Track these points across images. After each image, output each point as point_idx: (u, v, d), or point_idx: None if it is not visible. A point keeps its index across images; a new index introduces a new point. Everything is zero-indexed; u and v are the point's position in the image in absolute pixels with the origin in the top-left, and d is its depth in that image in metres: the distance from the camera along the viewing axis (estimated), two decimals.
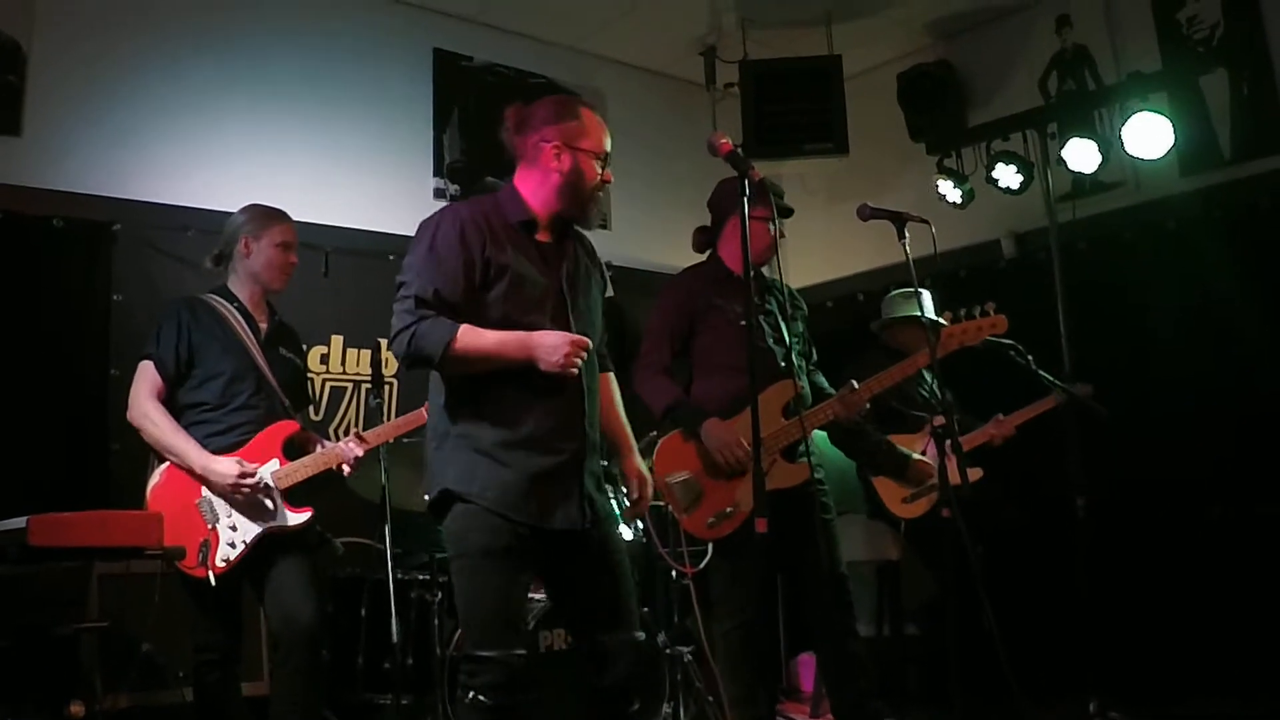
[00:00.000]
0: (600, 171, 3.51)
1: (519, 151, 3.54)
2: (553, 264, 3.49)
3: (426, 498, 3.41)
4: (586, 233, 3.72)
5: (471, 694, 3.19)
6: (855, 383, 4.61)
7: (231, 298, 4.42)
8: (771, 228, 4.41)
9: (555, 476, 3.36)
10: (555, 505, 3.34)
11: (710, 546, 4.47)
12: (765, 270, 4.79)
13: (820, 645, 4.65)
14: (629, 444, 3.76)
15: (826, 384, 4.83)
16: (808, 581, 4.52)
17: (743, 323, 3.50)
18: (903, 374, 4.74)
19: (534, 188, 3.50)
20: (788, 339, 4.64)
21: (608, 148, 3.54)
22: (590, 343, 3.34)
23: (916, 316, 5.44)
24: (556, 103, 3.58)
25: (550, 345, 3.26)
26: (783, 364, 4.57)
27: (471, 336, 3.25)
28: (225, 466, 4.12)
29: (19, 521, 3.66)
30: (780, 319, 4.68)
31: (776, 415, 4.49)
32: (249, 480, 4.13)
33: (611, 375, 3.79)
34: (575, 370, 3.30)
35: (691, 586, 4.17)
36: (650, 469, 4.37)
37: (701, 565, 4.41)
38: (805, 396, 4.60)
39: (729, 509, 4.41)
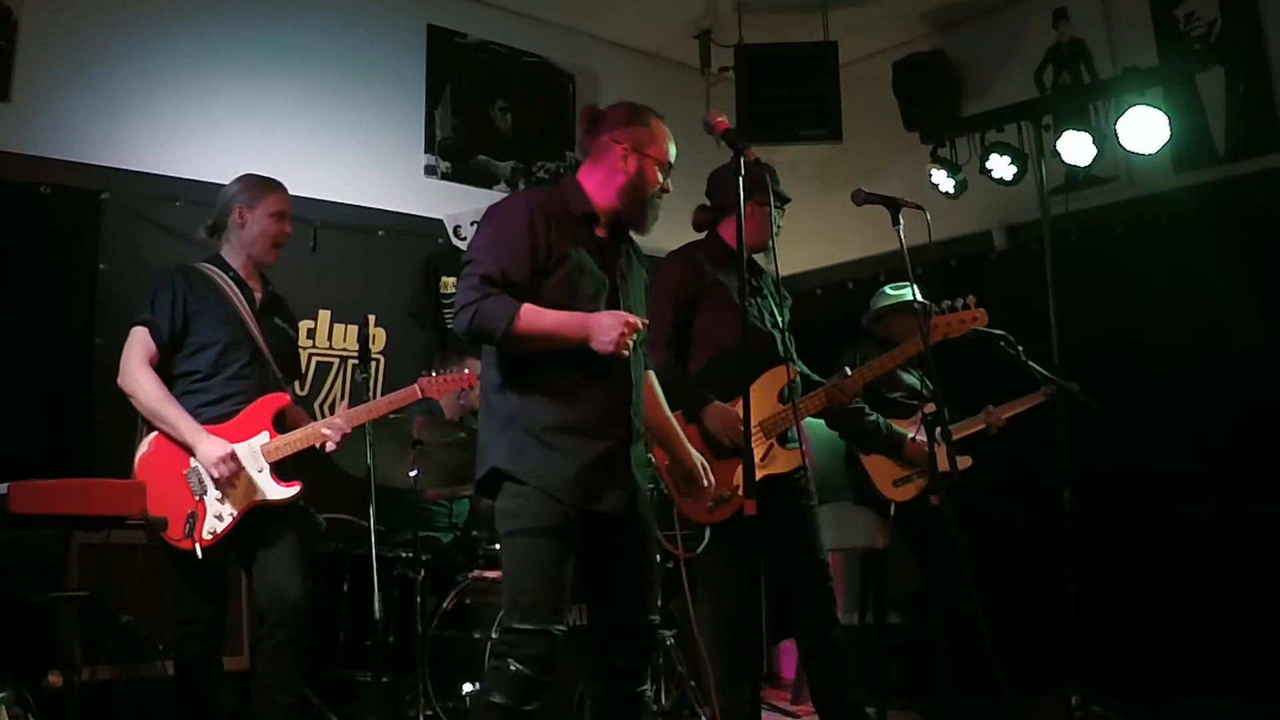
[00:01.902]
0: (662, 180, 3.63)
1: (587, 149, 3.68)
2: (609, 259, 3.61)
3: (476, 476, 3.52)
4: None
5: (512, 663, 3.27)
6: (848, 369, 4.61)
7: (226, 267, 4.38)
8: (776, 218, 4.45)
9: (603, 462, 3.45)
10: (602, 490, 3.44)
11: (707, 531, 4.45)
12: (760, 257, 4.77)
13: (801, 632, 4.64)
14: (679, 437, 3.91)
15: (811, 372, 4.83)
16: (791, 567, 4.52)
17: (741, 302, 3.51)
18: (894, 361, 4.75)
19: (598, 184, 3.62)
20: (781, 325, 4.63)
21: (672, 158, 3.66)
22: (641, 323, 3.40)
23: (908, 303, 5.43)
24: (629, 108, 3.70)
25: (605, 325, 3.33)
26: (780, 349, 4.56)
27: (532, 315, 3.33)
28: (213, 448, 4.09)
29: None
30: (773, 305, 4.67)
31: (773, 400, 4.48)
32: (231, 467, 4.09)
33: (652, 373, 3.88)
34: (626, 351, 3.36)
35: (684, 570, 4.15)
36: (649, 452, 4.35)
37: (699, 549, 4.40)
38: (795, 384, 4.59)
39: (727, 493, 4.38)
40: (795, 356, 4.76)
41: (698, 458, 3.91)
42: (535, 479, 3.37)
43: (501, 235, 3.44)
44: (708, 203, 4.82)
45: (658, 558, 3.69)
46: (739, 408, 4.27)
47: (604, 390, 3.49)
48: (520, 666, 3.26)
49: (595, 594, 3.58)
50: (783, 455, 4.50)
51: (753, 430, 3.40)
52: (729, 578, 4.40)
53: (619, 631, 3.54)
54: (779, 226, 4.61)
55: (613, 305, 3.55)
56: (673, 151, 3.67)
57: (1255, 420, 5.71)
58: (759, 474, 3.87)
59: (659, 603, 3.63)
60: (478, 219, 6.68)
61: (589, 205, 3.59)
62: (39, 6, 5.58)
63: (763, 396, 4.41)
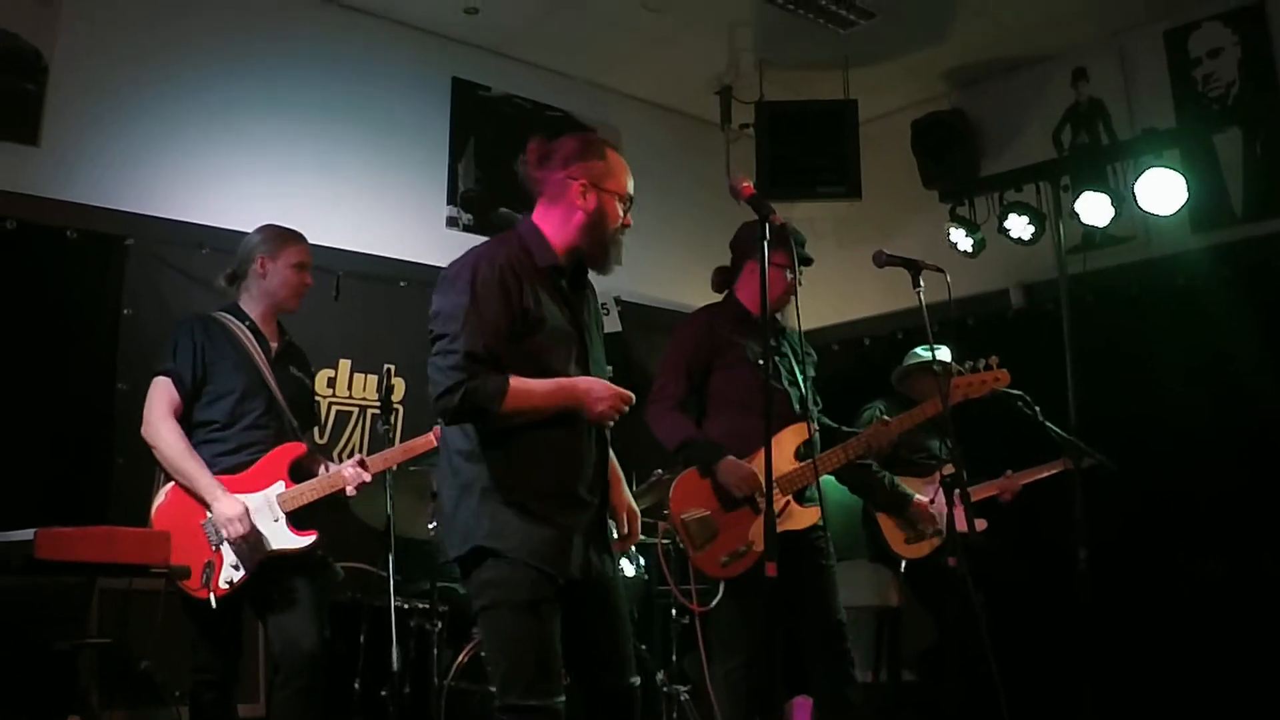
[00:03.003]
0: (623, 215, 3.48)
1: (541, 187, 3.49)
2: (575, 309, 3.47)
3: (452, 553, 3.32)
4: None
5: None
6: (887, 417, 4.65)
7: (243, 316, 4.41)
8: (789, 275, 4.43)
9: (587, 529, 3.35)
10: (587, 557, 3.33)
11: (721, 585, 4.45)
12: (780, 315, 4.80)
13: (818, 691, 4.63)
14: (617, 476, 3.66)
15: (835, 424, 4.84)
16: (809, 626, 4.50)
17: (759, 362, 3.47)
18: (912, 421, 4.75)
19: (556, 226, 3.44)
20: (801, 382, 4.64)
21: (631, 190, 3.50)
22: (633, 398, 3.31)
23: (928, 363, 5.46)
24: (583, 141, 3.53)
25: (596, 395, 3.26)
26: (797, 407, 4.57)
27: (522, 390, 3.20)
28: (227, 506, 4.08)
29: (26, 533, 3.63)
30: (793, 362, 4.69)
31: (790, 457, 4.49)
32: (239, 530, 4.07)
33: None
34: (614, 421, 3.29)
35: (698, 625, 4.13)
36: (666, 505, 4.35)
37: (713, 604, 4.40)
38: (814, 441, 4.59)
39: (742, 548, 4.39)
40: (816, 413, 4.77)
41: (633, 505, 3.72)
42: (523, 553, 3.20)
43: (476, 304, 3.23)
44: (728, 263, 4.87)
45: (628, 614, 3.53)
46: (754, 463, 4.32)
47: (581, 454, 3.36)
48: None
49: (573, 658, 3.38)
50: (799, 513, 4.50)
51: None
52: (743, 635, 4.39)
53: (602, 694, 3.38)
54: (799, 283, 4.64)
55: (582, 360, 3.42)
56: (631, 184, 3.49)
57: (1270, 480, 5.70)
58: None
59: (634, 661, 3.45)
60: None
61: (554, 257, 3.41)
62: (69, 51, 5.65)
63: (779, 453, 4.42)
